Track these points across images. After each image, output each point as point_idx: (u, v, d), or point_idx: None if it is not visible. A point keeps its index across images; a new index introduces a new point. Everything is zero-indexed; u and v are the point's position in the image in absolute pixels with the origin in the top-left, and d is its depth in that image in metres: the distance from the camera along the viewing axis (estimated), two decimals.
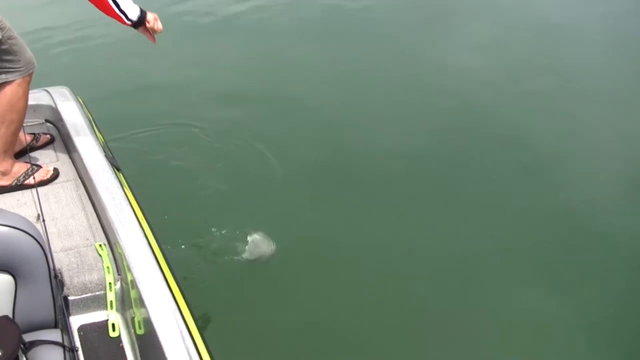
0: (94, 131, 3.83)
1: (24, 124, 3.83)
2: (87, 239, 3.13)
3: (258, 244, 4.49)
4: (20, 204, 3.31)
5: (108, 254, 3.02)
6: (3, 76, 3.35)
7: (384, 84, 6.86)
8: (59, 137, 3.97)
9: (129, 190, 3.36)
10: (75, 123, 3.86)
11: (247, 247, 4.45)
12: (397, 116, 6.24)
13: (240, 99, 6.42)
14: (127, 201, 3.19)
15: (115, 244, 3.01)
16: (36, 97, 4.11)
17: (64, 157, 3.80)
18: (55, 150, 3.87)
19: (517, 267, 4.52)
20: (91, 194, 3.39)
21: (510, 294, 4.29)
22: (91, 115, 4.06)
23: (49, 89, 4.21)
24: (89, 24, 7.90)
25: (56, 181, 3.56)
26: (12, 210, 2.56)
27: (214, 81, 6.83)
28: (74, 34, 7.96)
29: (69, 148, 3.82)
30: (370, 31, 8.23)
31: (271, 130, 5.88)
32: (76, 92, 4.25)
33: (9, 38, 3.31)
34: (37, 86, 4.16)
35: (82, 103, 4.14)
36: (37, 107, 4.07)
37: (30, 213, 3.20)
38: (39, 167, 3.62)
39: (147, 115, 6.07)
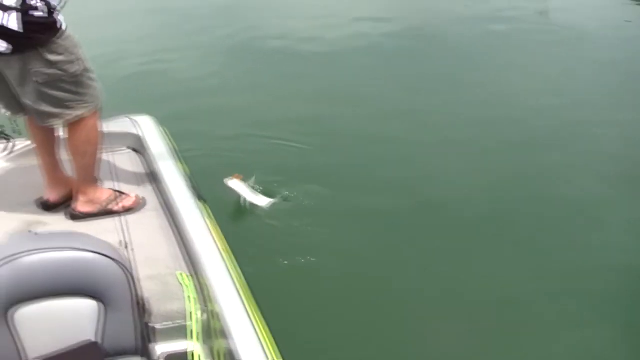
0: (178, 160, 3.85)
1: (109, 151, 3.89)
2: (171, 268, 3.10)
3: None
4: (106, 230, 3.32)
5: (191, 284, 2.99)
6: (77, 111, 3.36)
7: (447, 122, 6.78)
8: (143, 165, 4.00)
9: (212, 220, 3.35)
10: (159, 152, 3.90)
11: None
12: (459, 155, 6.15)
13: (305, 131, 6.43)
14: (210, 232, 3.18)
15: (199, 274, 2.98)
16: (121, 124, 4.18)
17: (147, 185, 3.81)
18: (139, 178, 3.89)
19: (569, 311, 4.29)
20: (176, 223, 3.39)
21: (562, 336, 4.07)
22: (174, 144, 4.09)
23: (134, 117, 4.27)
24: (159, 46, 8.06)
25: (140, 209, 3.57)
26: (97, 237, 2.56)
27: (289, 108, 6.90)
28: (145, 55, 8.12)
29: (153, 176, 3.84)
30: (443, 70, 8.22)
31: (344, 163, 5.86)
32: (160, 121, 4.31)
33: (86, 71, 3.32)
34: (119, 113, 4.25)
35: (165, 132, 4.18)
36: (122, 135, 4.12)
37: (114, 240, 3.20)
38: (124, 194, 3.64)
39: (222, 137, 6.15)
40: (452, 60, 8.59)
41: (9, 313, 2.35)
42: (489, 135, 6.46)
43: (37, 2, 3.07)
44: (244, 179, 4.93)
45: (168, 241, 3.30)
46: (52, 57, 3.19)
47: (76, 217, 3.58)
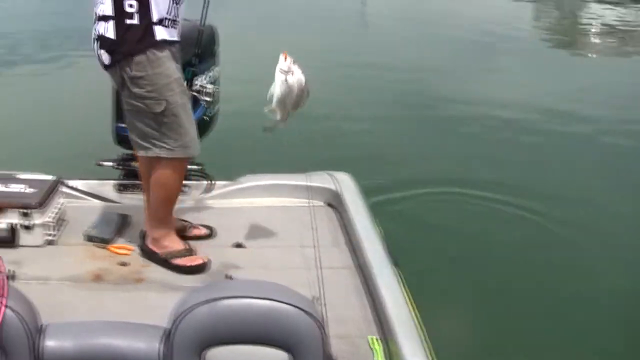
0: (374, 221, 3.81)
1: (307, 204, 3.91)
2: (362, 330, 3.01)
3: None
4: (300, 283, 3.30)
5: (381, 350, 2.89)
6: (156, 150, 3.26)
7: None
8: (339, 222, 3.99)
9: (406, 287, 3.25)
10: (357, 211, 3.87)
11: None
12: None
13: None
14: (405, 299, 3.08)
15: (389, 340, 2.88)
16: (320, 179, 4.21)
17: (341, 242, 3.78)
18: (333, 233, 3.87)
19: None
20: (369, 284, 3.31)
21: None
22: (368, 204, 4.06)
23: (333, 173, 4.30)
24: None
25: (334, 266, 3.54)
26: (292, 289, 2.54)
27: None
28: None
29: (348, 234, 3.81)
30: None
31: None
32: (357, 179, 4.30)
33: (173, 114, 3.19)
34: (321, 168, 4.28)
35: (362, 191, 4.16)
36: (320, 190, 4.15)
37: (307, 294, 3.17)
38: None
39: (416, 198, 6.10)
40: None
41: (203, 354, 2.37)
42: None
43: (133, 9, 3.04)
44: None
45: (360, 302, 3.23)
46: (136, 90, 3.12)
47: (143, 250, 3.59)
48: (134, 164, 4.14)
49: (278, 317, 2.34)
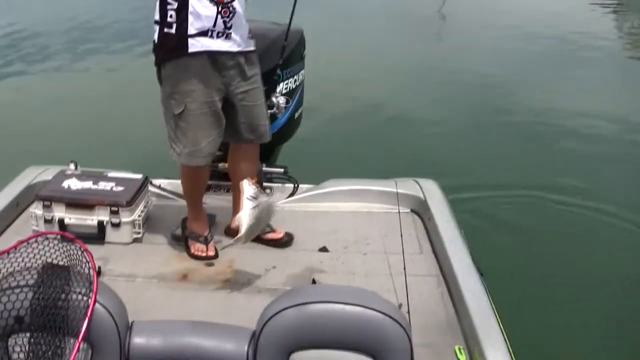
0: (459, 230, 3.75)
1: (393, 210, 3.88)
2: (446, 339, 2.96)
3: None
4: (386, 289, 3.28)
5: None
6: (170, 151, 3.51)
7: None
8: (423, 229, 3.94)
9: (490, 297, 3.18)
10: (443, 219, 3.81)
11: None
12: None
13: None
14: (491, 309, 3.01)
15: (475, 351, 2.82)
16: (406, 185, 4.18)
17: (427, 251, 3.73)
18: (419, 241, 3.83)
19: None
20: (454, 293, 3.26)
21: None
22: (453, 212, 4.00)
23: (419, 179, 4.25)
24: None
25: (419, 273, 3.49)
26: (379, 295, 2.51)
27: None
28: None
29: (434, 242, 3.76)
30: None
31: None
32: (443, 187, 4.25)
33: (187, 121, 3.36)
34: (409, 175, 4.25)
35: (447, 199, 4.10)
36: (406, 196, 4.11)
37: (394, 300, 3.14)
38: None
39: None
40: None
41: (291, 357, 2.37)
42: None
43: (172, 19, 3.24)
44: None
45: (445, 311, 3.17)
46: (165, 88, 3.38)
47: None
48: (222, 164, 4.19)
49: (366, 323, 2.33)
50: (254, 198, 3.22)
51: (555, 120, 8.40)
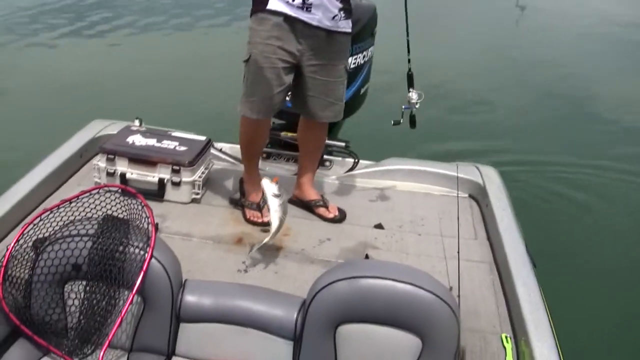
0: (515, 219, 3.70)
1: (452, 195, 3.87)
2: (494, 327, 2.94)
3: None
4: (438, 272, 3.27)
5: (512, 349, 2.82)
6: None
7: None
8: (480, 215, 3.91)
9: (541, 289, 3.15)
10: (500, 206, 3.77)
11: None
12: None
13: None
14: (542, 300, 2.98)
15: (521, 340, 2.80)
16: (466, 170, 4.16)
17: (482, 237, 3.70)
18: (475, 226, 3.80)
19: None
20: (506, 282, 3.23)
21: None
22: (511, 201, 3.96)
23: (479, 166, 4.22)
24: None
25: (472, 259, 3.46)
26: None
27: None
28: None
29: (489, 229, 3.73)
30: None
31: None
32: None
33: (249, 71, 3.43)
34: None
35: (506, 187, 4.06)
36: (465, 181, 4.08)
37: (445, 282, 3.14)
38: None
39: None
40: None
41: (337, 329, 2.39)
42: None
43: None
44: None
45: (495, 298, 3.14)
46: (248, 36, 3.44)
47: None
48: (284, 133, 4.21)
49: (416, 303, 2.33)
50: (278, 195, 3.26)
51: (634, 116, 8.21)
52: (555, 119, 7.91)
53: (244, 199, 3.80)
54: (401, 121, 3.60)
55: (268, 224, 3.40)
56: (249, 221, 3.71)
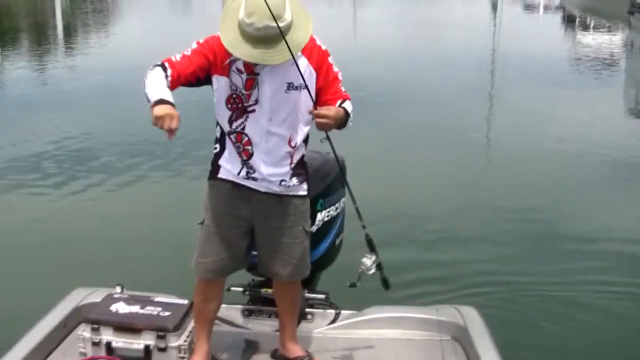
0: (501, 357, 3.74)
1: (434, 338, 3.93)
2: None
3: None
4: None
5: None
6: None
7: None
8: (466, 358, 3.93)
9: None
10: (484, 347, 3.81)
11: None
12: None
13: None
14: None
15: None
16: (446, 312, 4.24)
17: None
18: None
19: None
20: None
21: None
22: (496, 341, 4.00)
23: (459, 307, 4.30)
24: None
25: None
26: None
27: None
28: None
29: None
30: None
31: None
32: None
33: (201, 232, 3.66)
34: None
35: (488, 326, 4.11)
36: (447, 324, 4.16)
37: None
38: None
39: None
40: None
41: None
42: None
43: (217, 145, 3.60)
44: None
45: None
46: None
47: None
48: (264, 290, 4.27)
49: None
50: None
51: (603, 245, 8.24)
52: (531, 245, 8.04)
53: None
54: (357, 284, 3.70)
55: None
56: None
